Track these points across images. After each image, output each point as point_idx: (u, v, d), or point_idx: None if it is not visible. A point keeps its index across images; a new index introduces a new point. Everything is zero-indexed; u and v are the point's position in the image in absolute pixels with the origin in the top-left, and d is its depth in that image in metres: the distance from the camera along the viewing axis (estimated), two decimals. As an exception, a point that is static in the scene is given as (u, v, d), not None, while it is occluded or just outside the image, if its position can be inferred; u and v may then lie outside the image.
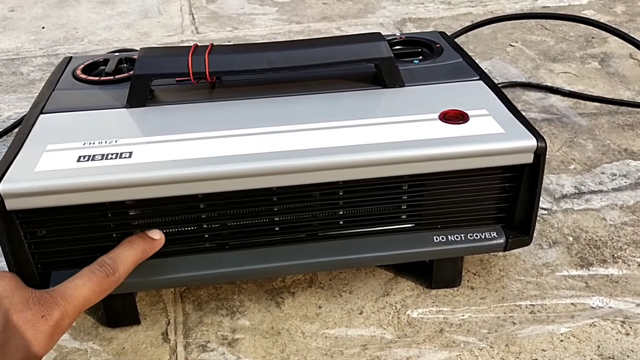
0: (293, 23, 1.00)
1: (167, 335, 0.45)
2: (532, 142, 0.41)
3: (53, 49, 0.93)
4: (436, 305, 0.47)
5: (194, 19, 1.03)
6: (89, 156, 0.40)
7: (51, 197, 0.38)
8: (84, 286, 0.38)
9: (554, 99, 0.76)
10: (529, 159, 0.42)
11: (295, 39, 0.94)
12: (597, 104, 0.75)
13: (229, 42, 0.94)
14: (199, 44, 0.48)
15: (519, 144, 0.41)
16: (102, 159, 0.40)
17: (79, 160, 0.39)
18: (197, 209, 0.42)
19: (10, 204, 0.38)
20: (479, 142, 0.41)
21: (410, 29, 0.96)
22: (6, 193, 0.38)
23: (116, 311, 0.45)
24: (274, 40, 0.92)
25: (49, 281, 0.42)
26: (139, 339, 0.45)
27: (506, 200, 0.45)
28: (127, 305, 0.45)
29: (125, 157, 0.40)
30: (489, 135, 0.42)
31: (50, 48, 0.93)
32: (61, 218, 0.40)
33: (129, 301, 0.45)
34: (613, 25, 0.69)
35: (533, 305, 0.48)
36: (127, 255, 0.40)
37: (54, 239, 0.41)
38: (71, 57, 0.56)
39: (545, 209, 0.58)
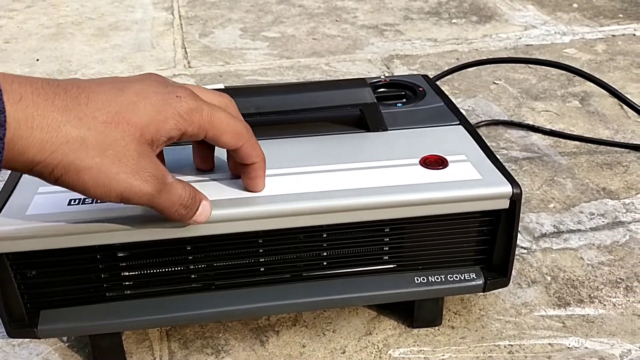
0: (283, 58, 1.02)
1: (153, 374, 0.46)
2: (507, 188, 0.43)
3: (46, 82, 0.94)
4: (417, 345, 0.49)
5: (186, 52, 1.05)
6: (79, 199, 0.41)
7: (41, 240, 0.39)
8: (225, 114, 0.38)
9: (535, 137, 0.78)
10: (505, 204, 0.44)
11: (285, 74, 0.96)
12: (577, 143, 0.77)
13: (220, 76, 0.96)
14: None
15: (495, 191, 0.43)
16: (92, 202, 0.41)
17: (69, 204, 0.41)
18: (184, 251, 0.43)
19: (1, 247, 0.39)
20: (457, 188, 0.43)
21: (397, 65, 0.99)
22: (-2, 236, 0.39)
23: (103, 350, 0.46)
24: (265, 76, 0.94)
25: (37, 320, 0.43)
26: (125, 378, 0.46)
27: (484, 242, 0.47)
28: (114, 344, 0.46)
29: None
30: (467, 182, 0.43)
31: (43, 81, 0.95)
32: (51, 260, 0.41)
33: (115, 340, 0.46)
34: (593, 65, 0.72)
35: (511, 345, 0.49)
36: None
37: (44, 280, 0.42)
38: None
39: (524, 248, 0.59)
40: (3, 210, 0.40)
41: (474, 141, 0.49)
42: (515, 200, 0.43)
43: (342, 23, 1.17)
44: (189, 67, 0.99)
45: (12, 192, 0.42)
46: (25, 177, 0.44)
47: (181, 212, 0.37)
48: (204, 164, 0.44)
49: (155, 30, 1.14)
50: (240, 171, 0.42)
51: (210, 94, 0.40)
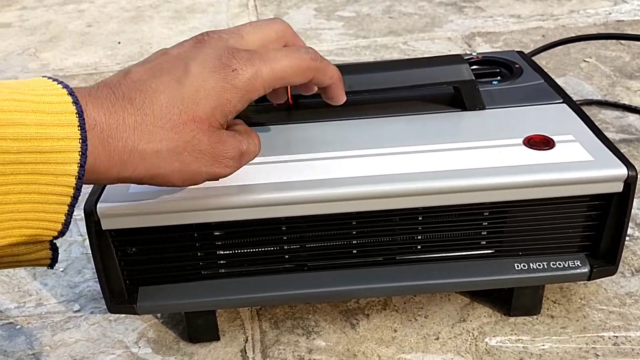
0: (359, 38, 1.00)
1: (246, 352, 0.46)
2: (622, 170, 0.40)
3: (129, 64, 0.96)
4: (515, 334, 0.47)
5: (261, 34, 1.05)
6: (179, 178, 0.41)
7: (143, 218, 0.40)
8: (286, 57, 0.37)
9: (632, 118, 0.73)
10: (618, 187, 0.41)
11: (362, 54, 0.95)
12: (680, 124, 0.71)
13: (297, 57, 0.95)
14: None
15: (609, 173, 0.40)
16: (191, 181, 0.41)
17: (169, 182, 0.41)
18: (279, 231, 0.43)
19: (105, 224, 0.40)
20: (567, 170, 0.40)
21: (479, 43, 0.95)
22: (102, 213, 0.39)
23: (197, 327, 0.46)
24: (341, 56, 0.93)
25: (136, 296, 0.44)
26: (219, 355, 0.46)
27: (591, 228, 0.44)
28: (208, 322, 0.46)
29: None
30: (577, 163, 0.41)
31: (126, 63, 0.97)
32: (150, 237, 0.42)
33: (210, 318, 0.46)
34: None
35: (616, 336, 0.46)
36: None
37: (143, 256, 0.43)
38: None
39: (627, 235, 0.55)
40: (106, 189, 0.41)
41: (581, 120, 0.46)
42: (630, 183, 0.40)
43: (419, 0, 1.14)
44: (265, 48, 0.99)
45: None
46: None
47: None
48: (280, 99, 0.44)
49: (231, 12, 1.15)
50: (318, 89, 0.42)
51: (266, 29, 0.39)
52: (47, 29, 1.13)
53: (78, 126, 0.30)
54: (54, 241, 0.32)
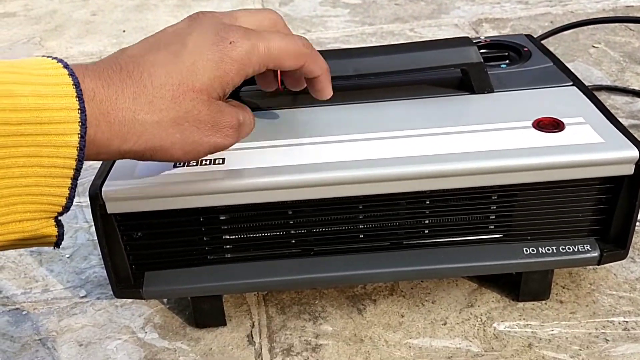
0: (365, 25, 1.00)
1: (252, 337, 0.46)
2: (634, 152, 0.40)
3: (134, 52, 0.96)
4: (524, 319, 0.46)
5: (267, 21, 1.04)
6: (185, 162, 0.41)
7: (149, 202, 0.40)
8: (280, 39, 0.37)
9: (643, 103, 0.72)
10: (629, 170, 0.40)
11: (368, 41, 0.94)
12: (691, 109, 0.70)
13: (302, 44, 0.94)
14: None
15: (620, 155, 0.40)
16: (197, 164, 0.40)
17: (175, 166, 0.41)
18: (285, 215, 0.42)
19: (110, 208, 0.40)
20: (577, 152, 0.40)
21: (487, 29, 0.94)
22: (108, 197, 0.39)
23: (204, 312, 0.46)
24: (347, 43, 0.92)
25: (142, 281, 0.43)
26: (225, 341, 0.46)
27: (601, 212, 0.43)
28: (215, 307, 0.46)
29: (218, 164, 0.41)
30: (587, 145, 0.40)
31: (131, 51, 0.97)
32: (156, 221, 0.42)
33: (216, 303, 0.46)
34: None
35: (627, 321, 0.46)
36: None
37: (149, 241, 0.43)
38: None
39: (638, 220, 0.55)
40: (112, 172, 0.40)
41: (591, 103, 0.45)
42: (642, 165, 0.40)
43: (425, -13, 1.13)
44: (271, 35, 0.98)
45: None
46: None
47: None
48: (270, 86, 0.44)
49: (236, -1, 1.14)
50: (306, 83, 0.42)
51: (259, 16, 0.39)
52: (52, 17, 1.13)
53: (76, 97, 0.30)
54: (59, 218, 0.32)
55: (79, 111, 0.30)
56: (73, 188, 0.31)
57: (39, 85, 0.29)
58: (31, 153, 0.29)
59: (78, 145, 0.30)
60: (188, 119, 0.34)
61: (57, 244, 0.32)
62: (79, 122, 0.29)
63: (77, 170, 0.30)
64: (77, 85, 0.30)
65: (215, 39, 0.35)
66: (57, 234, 0.32)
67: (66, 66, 0.31)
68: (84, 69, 0.32)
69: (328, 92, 0.42)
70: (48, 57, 0.31)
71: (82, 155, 0.30)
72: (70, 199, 0.31)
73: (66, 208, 0.31)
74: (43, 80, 0.29)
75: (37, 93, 0.29)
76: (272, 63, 0.37)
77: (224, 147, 0.37)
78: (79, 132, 0.30)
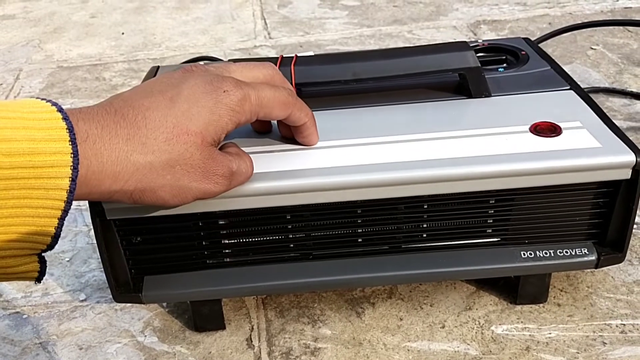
0: (364, 27, 1.00)
1: (251, 341, 0.46)
2: (631, 157, 0.40)
3: (133, 55, 0.96)
4: (521, 322, 0.46)
5: (266, 24, 1.04)
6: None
7: (148, 207, 0.40)
8: (269, 89, 0.38)
9: (640, 105, 0.73)
10: (626, 174, 0.40)
11: (366, 43, 0.94)
12: (689, 111, 0.71)
13: (301, 47, 0.95)
14: (284, 55, 0.48)
15: (617, 159, 0.40)
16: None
17: (174, 171, 0.41)
18: (283, 220, 0.43)
19: (110, 214, 0.40)
20: (574, 156, 0.40)
21: (485, 31, 0.94)
22: (107, 203, 0.39)
23: (203, 316, 0.47)
24: (345, 45, 0.92)
25: (142, 285, 0.44)
26: (224, 344, 0.46)
27: (599, 216, 0.43)
28: (214, 310, 0.46)
29: (217, 169, 0.41)
30: (584, 150, 0.40)
31: (130, 54, 0.97)
32: (155, 226, 0.42)
33: (215, 307, 0.46)
34: None
35: (624, 324, 0.46)
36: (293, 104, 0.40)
37: (148, 246, 0.43)
38: (159, 66, 0.57)
39: (635, 223, 0.55)
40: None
41: (588, 107, 0.45)
42: (638, 170, 0.40)
43: (424, -11, 1.13)
44: (270, 38, 0.99)
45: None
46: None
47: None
48: (263, 128, 0.45)
49: (235, 1, 1.14)
50: (292, 131, 0.43)
51: (254, 70, 0.40)
52: (51, 20, 1.13)
53: (69, 140, 0.30)
54: (42, 254, 0.32)
55: (72, 155, 0.30)
56: (59, 227, 0.31)
57: (32, 130, 0.29)
58: (22, 195, 0.29)
59: (68, 188, 0.30)
60: (180, 162, 0.34)
61: (38, 279, 0.33)
62: (71, 166, 0.30)
63: (65, 211, 0.31)
64: (70, 129, 0.30)
65: (210, 87, 0.36)
66: (39, 269, 0.32)
67: (60, 110, 0.31)
68: (78, 112, 0.32)
69: (314, 139, 0.43)
70: (42, 99, 0.32)
71: (72, 197, 0.30)
72: (55, 237, 0.31)
73: (50, 246, 0.31)
74: (36, 125, 0.30)
75: (31, 137, 0.29)
76: (262, 112, 0.38)
77: (213, 195, 0.37)
78: (70, 175, 0.30)
